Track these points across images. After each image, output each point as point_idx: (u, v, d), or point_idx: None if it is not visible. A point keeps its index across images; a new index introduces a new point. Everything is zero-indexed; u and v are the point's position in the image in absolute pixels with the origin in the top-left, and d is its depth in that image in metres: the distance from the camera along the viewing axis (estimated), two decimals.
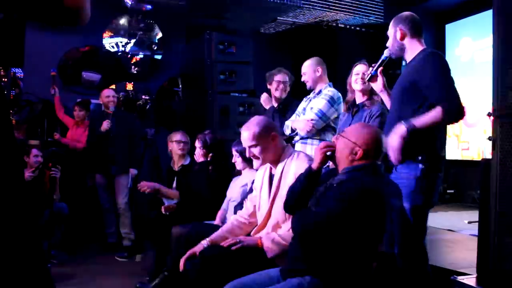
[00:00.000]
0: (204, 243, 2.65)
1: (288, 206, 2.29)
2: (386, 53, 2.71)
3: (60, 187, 4.57)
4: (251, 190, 3.28)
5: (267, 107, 4.21)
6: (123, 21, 6.44)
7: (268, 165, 2.69)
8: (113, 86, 6.21)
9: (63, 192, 4.65)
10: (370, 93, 3.23)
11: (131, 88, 6.34)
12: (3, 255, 1.03)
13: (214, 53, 5.40)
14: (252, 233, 2.65)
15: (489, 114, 2.56)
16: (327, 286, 2.00)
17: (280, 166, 2.57)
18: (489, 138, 2.55)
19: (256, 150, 2.57)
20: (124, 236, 4.79)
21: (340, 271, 2.01)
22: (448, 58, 6.91)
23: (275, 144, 2.58)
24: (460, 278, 2.60)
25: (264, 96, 4.26)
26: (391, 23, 2.65)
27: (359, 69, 3.24)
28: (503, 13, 2.46)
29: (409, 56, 2.62)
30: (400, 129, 2.37)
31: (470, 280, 2.57)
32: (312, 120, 3.53)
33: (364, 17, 6.55)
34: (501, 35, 2.48)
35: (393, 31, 2.62)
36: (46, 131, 5.69)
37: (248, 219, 2.79)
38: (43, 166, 4.50)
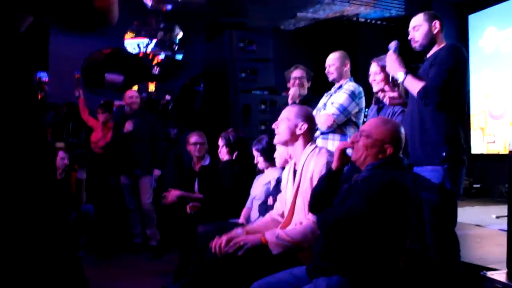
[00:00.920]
0: (240, 230, 2.62)
1: (313, 207, 2.28)
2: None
3: (86, 189, 4.64)
4: (274, 188, 3.29)
5: (290, 102, 4.17)
6: (144, 22, 6.50)
7: (292, 163, 2.68)
8: (136, 87, 6.28)
9: (89, 194, 4.72)
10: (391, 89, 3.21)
11: (153, 89, 6.40)
12: (41, 256, 1.05)
13: (235, 52, 5.41)
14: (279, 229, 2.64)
15: None
16: (355, 286, 1.98)
17: (301, 161, 2.56)
18: None
19: (282, 125, 2.58)
20: (150, 236, 4.85)
21: (368, 268, 1.99)
22: (472, 49, 6.85)
23: (299, 134, 2.56)
24: (489, 274, 2.55)
25: (293, 90, 4.16)
26: (423, 17, 2.71)
27: (372, 70, 3.23)
28: None
29: (432, 50, 2.70)
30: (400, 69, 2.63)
31: (501, 275, 2.52)
32: (333, 114, 3.51)
33: (384, 10, 6.48)
34: None
35: (427, 25, 2.68)
36: (72, 134, 5.78)
37: (280, 218, 2.78)
38: (69, 168, 4.59)
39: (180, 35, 6.69)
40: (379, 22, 6.83)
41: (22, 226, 1.02)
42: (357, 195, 2.02)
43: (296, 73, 4.14)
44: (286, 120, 2.58)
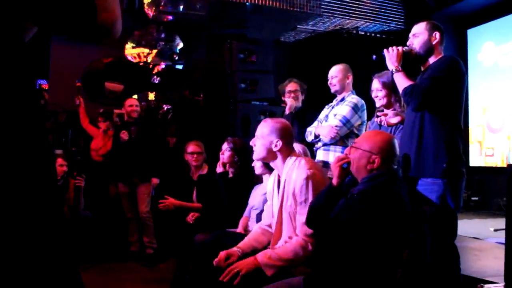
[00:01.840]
0: (237, 250, 2.63)
1: (310, 222, 2.29)
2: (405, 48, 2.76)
3: (84, 196, 4.64)
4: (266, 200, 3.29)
5: (287, 112, 4.22)
6: (145, 32, 6.53)
7: (276, 173, 2.68)
8: (135, 96, 6.29)
9: (87, 201, 4.71)
10: (392, 106, 3.23)
11: (153, 98, 6.42)
12: (38, 260, 1.06)
13: (235, 62, 5.43)
14: (270, 245, 2.63)
15: None
16: None
17: (283, 175, 2.56)
18: None
19: (257, 143, 2.61)
20: (147, 245, 4.84)
21: (365, 280, 1.99)
22: (470, 63, 6.90)
23: (276, 150, 2.55)
24: (487, 287, 2.56)
25: (290, 101, 4.24)
26: (424, 26, 2.72)
27: (374, 86, 3.24)
28: None
29: (428, 62, 2.70)
30: (394, 64, 2.68)
31: None
32: (336, 126, 3.54)
33: (384, 24, 6.53)
34: None
35: (428, 34, 2.69)
36: (71, 141, 5.79)
37: (269, 228, 2.79)
38: (68, 175, 4.59)
39: (180, 45, 6.72)
40: (378, 35, 6.88)
41: (21, 230, 1.03)
42: (356, 209, 2.03)
43: (291, 86, 4.28)
44: (261, 137, 2.58)
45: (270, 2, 5.68)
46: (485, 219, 5.44)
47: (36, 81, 5.50)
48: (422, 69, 2.75)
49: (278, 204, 2.55)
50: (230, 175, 3.88)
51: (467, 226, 4.76)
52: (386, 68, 2.81)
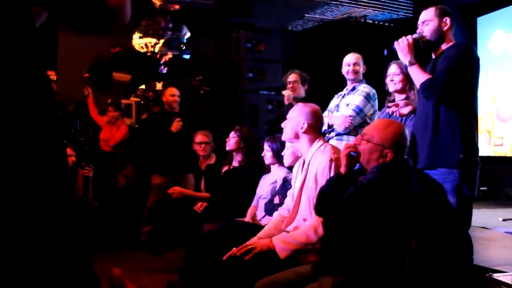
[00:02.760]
0: (257, 239, 2.64)
1: (318, 209, 2.29)
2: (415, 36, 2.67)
3: (93, 186, 4.66)
4: (280, 188, 3.30)
5: (286, 102, 4.26)
6: (152, 21, 6.53)
7: (302, 160, 2.70)
8: (143, 86, 6.32)
9: (95, 191, 4.74)
10: (406, 92, 3.21)
11: (160, 88, 6.42)
12: (52, 249, 1.06)
13: (242, 52, 5.41)
14: (283, 225, 2.65)
15: None
16: (360, 285, 1.99)
17: (307, 158, 2.59)
18: None
19: (286, 124, 2.68)
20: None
21: (373, 268, 1.99)
22: (480, 51, 6.78)
23: (303, 132, 2.60)
24: (496, 276, 2.55)
25: (287, 92, 4.31)
26: (434, 12, 2.64)
27: (391, 71, 3.22)
28: None
29: (439, 50, 2.63)
30: (408, 57, 2.59)
31: (507, 277, 2.52)
32: (350, 116, 3.54)
33: (392, 12, 6.47)
34: None
35: (438, 21, 2.61)
36: (79, 131, 5.81)
37: (288, 214, 2.79)
38: (77, 165, 4.61)
39: (187, 35, 6.71)
40: (386, 24, 6.82)
41: (34, 219, 1.03)
42: (362, 197, 2.03)
43: (291, 77, 4.37)
44: (290, 119, 2.67)
45: None
46: (493, 209, 5.42)
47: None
48: (433, 55, 2.69)
49: (300, 185, 2.57)
50: (236, 164, 3.88)
51: (475, 216, 4.67)
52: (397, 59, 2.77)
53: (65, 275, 1.08)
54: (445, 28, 2.61)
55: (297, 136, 2.63)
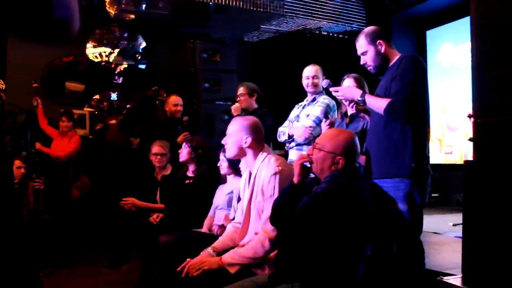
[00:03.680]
0: (209, 250, 2.62)
1: (274, 219, 2.30)
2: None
3: (43, 199, 4.51)
4: (238, 198, 3.29)
5: (234, 114, 4.34)
6: (106, 31, 6.43)
7: (248, 172, 2.69)
8: (97, 96, 6.20)
9: (46, 204, 4.58)
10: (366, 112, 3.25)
11: (115, 98, 6.32)
12: None
13: (198, 62, 5.41)
14: (237, 240, 2.64)
15: (469, 116, 2.62)
16: None
17: (253, 171, 2.59)
18: (470, 139, 2.62)
19: (227, 140, 2.64)
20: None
21: (328, 275, 2.01)
22: (429, 63, 7.07)
23: (247, 147, 2.58)
24: (446, 279, 2.63)
25: (235, 105, 4.49)
26: (365, 41, 2.65)
27: (346, 84, 3.24)
28: (480, 18, 2.53)
29: (387, 64, 2.67)
30: (357, 91, 2.66)
31: (456, 280, 2.60)
32: (310, 127, 3.59)
33: (346, 24, 6.63)
34: (478, 35, 2.54)
35: (373, 47, 2.63)
36: (30, 142, 5.63)
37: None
38: (27, 178, 4.45)
39: (143, 44, 6.65)
40: (341, 35, 6.97)
41: None
42: (316, 206, 2.05)
43: (238, 91, 4.46)
44: (231, 135, 2.62)
45: (233, 2, 5.68)
46: (444, 214, 5.58)
47: None
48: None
49: (247, 199, 2.56)
50: (190, 174, 3.86)
51: (427, 222, 4.81)
52: None
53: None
54: (382, 50, 2.63)
55: (241, 151, 2.60)
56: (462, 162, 6.44)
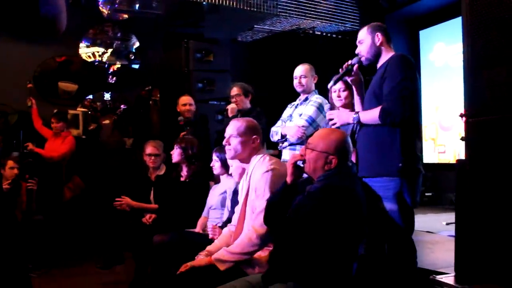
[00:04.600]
0: (203, 254, 2.61)
1: (267, 219, 2.30)
2: (355, 60, 2.75)
3: (38, 198, 4.49)
4: (230, 198, 3.28)
5: (230, 115, 4.31)
6: (100, 30, 6.42)
7: (246, 172, 2.69)
8: (91, 96, 6.18)
9: (39, 204, 4.56)
10: (352, 107, 3.25)
11: (109, 98, 6.30)
12: None
13: (192, 62, 5.40)
14: (231, 239, 2.64)
15: (461, 115, 2.63)
16: None
17: (249, 171, 2.58)
18: (462, 139, 2.63)
19: (234, 141, 2.58)
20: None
21: (321, 274, 2.02)
22: (422, 63, 7.10)
23: (253, 147, 2.59)
24: (439, 277, 2.65)
25: (231, 106, 4.43)
26: (366, 31, 2.72)
27: (337, 87, 3.24)
28: (471, 18, 2.54)
29: (381, 61, 2.70)
30: (350, 115, 2.70)
31: (449, 278, 2.61)
32: (303, 126, 3.58)
33: (340, 24, 6.64)
34: (470, 35, 2.56)
35: (371, 38, 2.69)
36: (22, 143, 5.60)
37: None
38: (19, 178, 4.43)
39: (136, 44, 6.63)
40: (334, 35, 6.99)
41: None
42: (309, 206, 2.06)
43: (233, 91, 4.47)
44: (238, 136, 2.57)
45: (227, 2, 5.68)
46: (438, 213, 5.60)
47: None
48: (377, 66, 2.74)
49: (244, 198, 2.56)
50: (184, 174, 3.85)
51: (421, 221, 4.87)
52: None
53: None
54: (378, 43, 2.69)
55: (248, 152, 2.58)
56: (455, 162, 6.47)
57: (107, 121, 6.19)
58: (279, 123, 3.86)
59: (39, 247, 4.47)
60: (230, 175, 3.36)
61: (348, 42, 6.69)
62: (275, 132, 3.78)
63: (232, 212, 3.11)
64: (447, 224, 4.51)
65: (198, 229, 3.49)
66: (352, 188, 2.11)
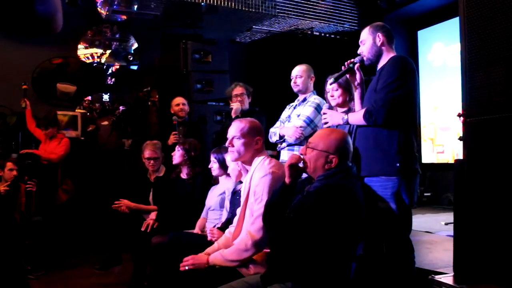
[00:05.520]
0: (205, 256, 2.60)
1: (266, 220, 2.30)
2: (357, 59, 2.77)
3: (35, 200, 4.49)
4: (229, 199, 3.28)
5: (233, 115, 4.26)
6: (98, 31, 6.42)
7: (249, 174, 2.68)
8: (89, 97, 6.18)
9: (38, 205, 4.55)
10: (347, 106, 3.26)
11: (107, 99, 6.30)
12: None
13: (190, 63, 5.41)
14: (231, 239, 2.64)
15: (459, 115, 2.64)
16: None
17: (250, 172, 2.58)
18: (460, 138, 2.63)
19: (237, 143, 2.56)
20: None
21: (320, 274, 2.02)
22: (421, 63, 7.10)
23: (256, 148, 2.58)
24: (437, 277, 2.64)
25: (235, 105, 4.32)
26: (367, 31, 2.74)
27: (329, 87, 3.25)
28: (468, 18, 2.55)
29: (381, 62, 2.71)
30: (340, 115, 2.77)
31: (447, 278, 2.61)
32: (301, 127, 3.58)
33: (338, 25, 6.64)
34: (467, 35, 2.57)
35: (372, 38, 2.71)
36: (21, 144, 5.59)
37: None
38: (18, 180, 4.43)
39: (135, 45, 6.63)
40: (333, 36, 6.99)
41: None
42: (308, 205, 2.06)
43: (236, 90, 4.40)
44: (242, 137, 2.55)
45: (225, 3, 5.67)
46: (436, 213, 5.61)
47: None
48: (378, 67, 2.75)
49: (244, 200, 2.56)
50: (184, 176, 3.85)
51: (420, 221, 4.89)
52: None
53: None
54: (379, 43, 2.71)
55: (251, 153, 2.57)
56: (453, 161, 6.47)
57: (105, 122, 6.19)
58: (277, 124, 3.86)
59: (38, 249, 4.46)
60: (229, 176, 3.36)
61: (346, 43, 6.70)
62: (274, 133, 3.78)
63: (230, 213, 3.12)
64: (446, 224, 4.51)
65: (196, 230, 3.49)
66: (352, 188, 2.11)
